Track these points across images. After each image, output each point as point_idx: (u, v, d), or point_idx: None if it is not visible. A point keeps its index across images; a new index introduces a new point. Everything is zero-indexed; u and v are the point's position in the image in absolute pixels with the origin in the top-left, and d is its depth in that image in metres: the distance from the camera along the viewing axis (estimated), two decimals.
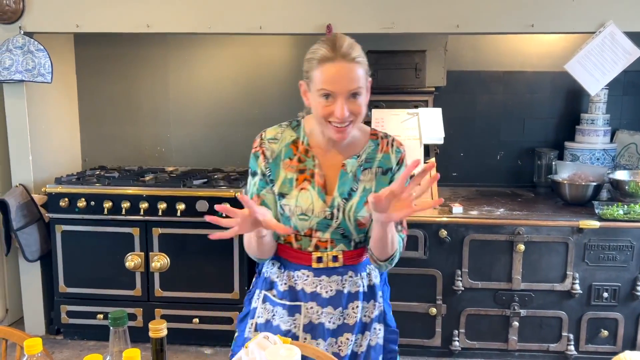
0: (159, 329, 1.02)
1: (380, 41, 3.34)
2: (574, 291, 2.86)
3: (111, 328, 1.05)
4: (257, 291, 1.61)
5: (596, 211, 2.85)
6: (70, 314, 3.19)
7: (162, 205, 3.04)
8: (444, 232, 2.87)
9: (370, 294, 1.58)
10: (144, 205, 3.05)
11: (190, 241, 3.09)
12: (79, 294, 3.18)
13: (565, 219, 2.86)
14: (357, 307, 1.55)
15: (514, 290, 2.91)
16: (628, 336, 2.90)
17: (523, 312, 2.92)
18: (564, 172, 3.23)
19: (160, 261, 3.08)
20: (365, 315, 1.57)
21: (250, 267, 3.15)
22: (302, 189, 1.49)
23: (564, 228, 2.84)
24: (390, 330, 1.62)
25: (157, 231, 3.08)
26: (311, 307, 1.53)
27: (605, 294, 2.87)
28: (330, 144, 1.51)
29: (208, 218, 1.26)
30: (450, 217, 2.89)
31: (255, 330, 1.56)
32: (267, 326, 1.54)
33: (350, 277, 1.54)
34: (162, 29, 3.00)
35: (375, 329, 1.58)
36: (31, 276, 3.26)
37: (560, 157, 3.45)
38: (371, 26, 2.90)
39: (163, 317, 3.13)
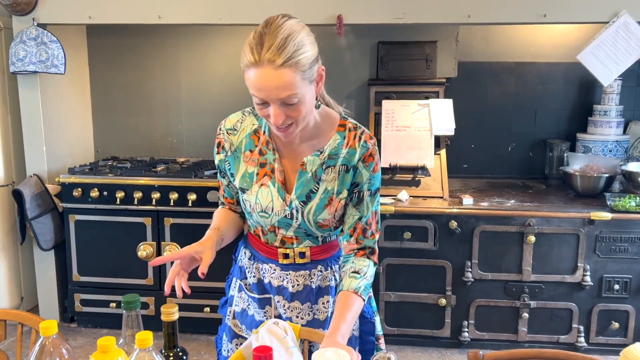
0: (170, 312, 1.04)
1: (391, 32, 3.33)
2: (584, 283, 2.85)
3: (124, 312, 1.07)
4: (234, 279, 1.58)
5: (608, 203, 2.84)
6: (84, 302, 3.24)
7: (174, 196, 3.07)
8: (454, 224, 2.87)
9: None
10: (155, 195, 3.08)
11: (202, 231, 3.06)
12: (92, 282, 3.22)
13: (576, 210, 2.84)
14: (328, 301, 1.47)
15: (524, 282, 2.91)
16: (639, 328, 2.89)
17: (533, 303, 2.91)
18: (576, 164, 3.21)
19: (171, 250, 3.11)
20: None
21: None
22: (262, 185, 1.39)
23: (575, 220, 2.82)
24: (366, 321, 1.51)
25: (168, 221, 3.11)
26: (278, 301, 1.48)
27: (617, 286, 2.86)
28: (285, 138, 1.38)
29: (152, 264, 1.33)
30: (460, 209, 2.88)
31: (234, 317, 1.54)
32: (243, 315, 1.53)
33: (320, 271, 1.47)
34: (173, 20, 3.02)
35: None
36: (45, 265, 3.31)
37: (572, 149, 3.42)
38: (382, 16, 2.89)
39: None
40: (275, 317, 1.48)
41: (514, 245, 2.88)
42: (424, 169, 3.08)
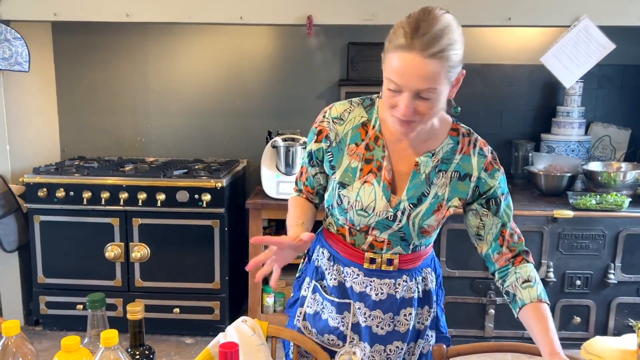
0: (136, 311, 1.04)
1: (361, 33, 3.36)
2: (548, 279, 2.93)
3: (89, 311, 1.06)
4: (307, 279, 1.47)
5: (570, 201, 2.92)
6: (49, 305, 3.17)
7: (142, 196, 3.03)
8: None
9: (425, 300, 1.44)
10: (123, 195, 3.04)
11: (171, 231, 3.09)
12: (58, 284, 3.16)
13: (540, 208, 2.92)
14: (410, 314, 1.41)
15: (490, 279, 2.97)
16: (600, 322, 2.98)
17: (499, 300, 2.98)
18: (540, 163, 3.30)
19: (140, 251, 3.08)
20: (418, 322, 1.44)
21: (232, 257, 3.16)
22: (366, 182, 1.31)
23: (539, 217, 2.90)
24: (442, 337, 1.48)
25: (137, 221, 3.08)
26: (359, 308, 1.40)
27: (578, 282, 2.95)
28: (405, 134, 1.31)
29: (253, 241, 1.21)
30: None
31: (304, 319, 1.46)
32: (316, 318, 1.44)
33: (405, 281, 1.40)
34: (141, 18, 2.98)
35: (428, 335, 1.46)
36: (9, 267, 3.23)
37: (537, 149, 3.51)
38: (352, 17, 2.91)
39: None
40: (352, 324, 1.40)
41: None
42: None
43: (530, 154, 3.44)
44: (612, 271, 2.91)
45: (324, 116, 1.37)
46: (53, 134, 3.68)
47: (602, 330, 2.97)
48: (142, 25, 3.48)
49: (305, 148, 1.44)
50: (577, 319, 2.98)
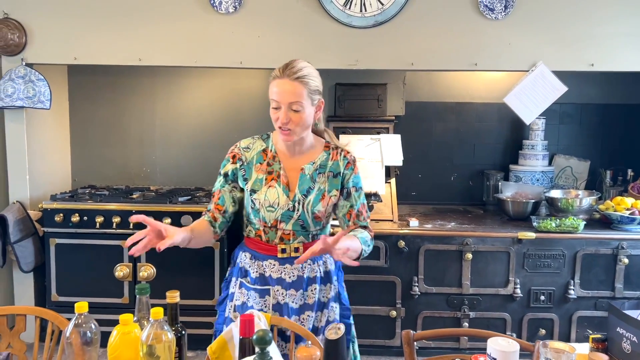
0: (174, 296, 1.38)
1: (347, 75, 3.76)
2: (515, 295, 3.26)
3: (137, 296, 1.39)
4: (234, 279, 1.92)
5: (533, 224, 3.28)
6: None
7: None
8: (402, 243, 3.25)
9: (326, 278, 1.91)
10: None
11: (175, 252, 3.31)
12: (71, 302, 3.42)
13: (507, 231, 3.26)
14: (315, 289, 1.88)
15: (464, 295, 3.30)
16: (563, 334, 3.30)
17: (472, 314, 3.30)
18: (508, 191, 3.67)
19: (147, 271, 3.37)
20: (323, 296, 1.90)
21: None
22: (270, 186, 1.83)
23: (506, 239, 3.25)
24: (344, 307, 1.95)
25: None
26: (277, 290, 1.85)
27: (542, 297, 3.28)
28: (292, 151, 1.88)
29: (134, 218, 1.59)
30: (407, 230, 3.28)
31: (234, 310, 1.87)
32: (244, 307, 1.86)
33: (309, 264, 1.87)
34: (152, 62, 3.35)
35: (332, 307, 1.91)
36: (24, 286, 3.50)
37: (506, 178, 3.89)
38: (338, 63, 3.31)
39: None
40: (272, 305, 1.85)
41: (454, 262, 3.28)
42: (376, 196, 3.47)
43: (499, 183, 3.81)
44: (572, 287, 3.24)
45: (236, 146, 1.91)
46: (65, 164, 4.01)
47: (565, 341, 3.27)
48: (151, 67, 3.85)
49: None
50: (542, 331, 3.30)
